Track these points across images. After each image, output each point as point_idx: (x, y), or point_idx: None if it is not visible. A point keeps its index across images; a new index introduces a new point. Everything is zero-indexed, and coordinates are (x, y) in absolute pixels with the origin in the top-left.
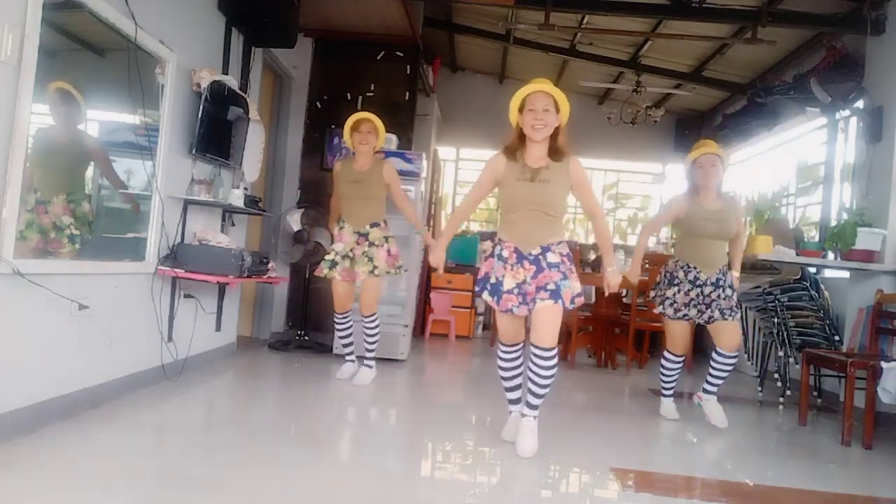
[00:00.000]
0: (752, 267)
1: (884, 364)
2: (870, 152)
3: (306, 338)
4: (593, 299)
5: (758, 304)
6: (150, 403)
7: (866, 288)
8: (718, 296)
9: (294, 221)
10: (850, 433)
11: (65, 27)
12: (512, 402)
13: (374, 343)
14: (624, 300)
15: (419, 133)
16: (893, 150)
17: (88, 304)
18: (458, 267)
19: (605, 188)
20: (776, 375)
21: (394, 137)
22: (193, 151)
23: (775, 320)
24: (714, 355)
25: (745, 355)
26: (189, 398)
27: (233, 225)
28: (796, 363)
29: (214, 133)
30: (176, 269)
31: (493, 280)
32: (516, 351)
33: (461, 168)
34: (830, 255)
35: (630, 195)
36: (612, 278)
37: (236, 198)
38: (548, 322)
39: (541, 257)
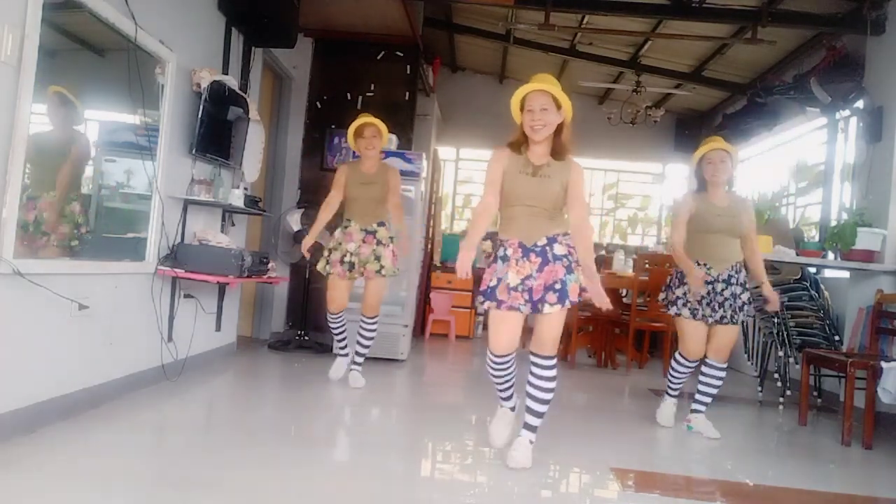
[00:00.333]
0: None
1: (884, 364)
2: (870, 152)
3: (306, 338)
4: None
5: (757, 304)
6: (150, 403)
7: (866, 288)
8: (732, 293)
9: (294, 221)
10: (850, 433)
11: (65, 27)
12: (504, 399)
13: (369, 345)
14: (624, 300)
15: (419, 133)
16: (893, 150)
17: (88, 304)
18: None
19: (605, 188)
20: (776, 375)
21: (394, 137)
22: (193, 151)
23: (775, 320)
24: (704, 368)
25: (745, 355)
26: (189, 398)
27: (233, 225)
28: (796, 363)
29: (214, 133)
30: (176, 269)
31: (493, 283)
32: (508, 361)
33: (461, 168)
34: (830, 255)
35: (630, 195)
36: (599, 297)
37: (236, 198)
38: (554, 328)
39: (547, 248)
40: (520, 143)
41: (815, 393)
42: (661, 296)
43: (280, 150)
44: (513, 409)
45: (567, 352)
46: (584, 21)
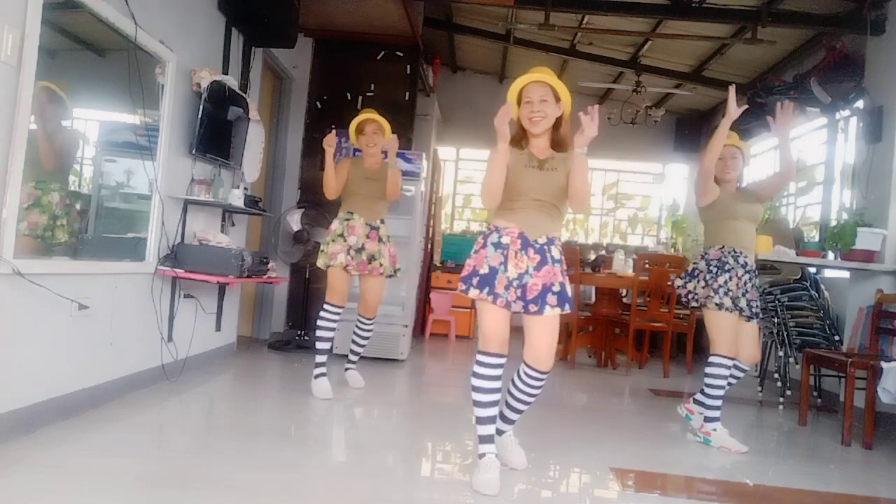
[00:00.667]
0: None
1: (884, 364)
2: (870, 152)
3: (306, 338)
4: (593, 299)
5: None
6: (150, 403)
7: (866, 288)
8: (754, 286)
9: (294, 221)
10: (850, 433)
11: (65, 27)
12: (483, 439)
13: (365, 345)
14: (624, 300)
15: (419, 133)
16: (893, 150)
17: (88, 304)
18: (458, 267)
19: (605, 188)
20: (776, 375)
21: (394, 138)
22: (193, 151)
23: (775, 320)
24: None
25: None
26: (189, 398)
27: (233, 225)
28: (796, 363)
29: (214, 133)
30: (176, 269)
31: (483, 271)
32: (500, 365)
33: (461, 168)
34: (830, 255)
35: (630, 195)
36: (589, 126)
37: (236, 198)
38: (552, 336)
39: (546, 248)
40: (520, 138)
41: (815, 393)
42: (679, 282)
43: (280, 150)
44: (495, 455)
45: (567, 352)
46: (584, 21)
